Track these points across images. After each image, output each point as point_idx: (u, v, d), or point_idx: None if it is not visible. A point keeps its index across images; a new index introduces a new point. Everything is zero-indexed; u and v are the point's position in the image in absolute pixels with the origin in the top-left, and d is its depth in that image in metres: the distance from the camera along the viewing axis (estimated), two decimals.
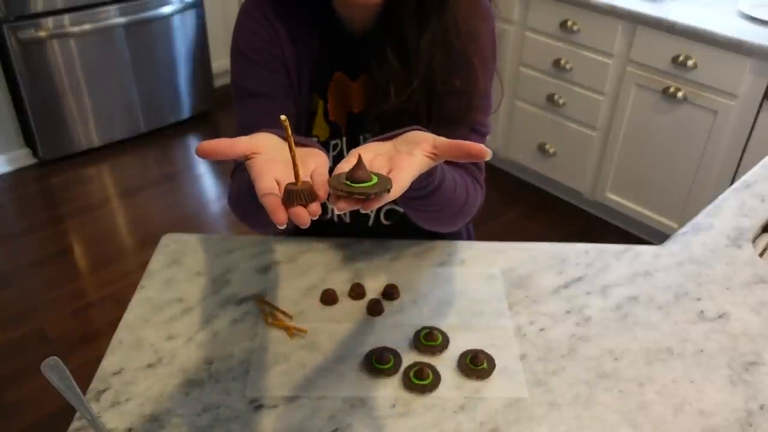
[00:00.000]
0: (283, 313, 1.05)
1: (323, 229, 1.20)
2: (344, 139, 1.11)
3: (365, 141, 1.05)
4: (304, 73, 1.06)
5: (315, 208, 0.65)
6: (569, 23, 2.59)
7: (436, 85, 1.00)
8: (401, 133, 0.79)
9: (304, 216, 0.63)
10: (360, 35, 1.05)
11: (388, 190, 0.66)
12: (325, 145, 1.10)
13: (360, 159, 0.68)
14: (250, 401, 0.91)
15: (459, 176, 1.02)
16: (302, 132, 1.07)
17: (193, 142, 3.57)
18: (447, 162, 0.96)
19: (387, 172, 0.71)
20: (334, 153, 1.11)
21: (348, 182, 0.66)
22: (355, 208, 0.66)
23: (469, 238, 1.34)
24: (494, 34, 1.06)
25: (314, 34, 1.05)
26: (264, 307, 1.06)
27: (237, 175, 1.07)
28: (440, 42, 0.98)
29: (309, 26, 1.05)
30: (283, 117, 0.66)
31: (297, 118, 1.08)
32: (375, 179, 0.67)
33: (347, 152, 0.88)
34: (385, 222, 1.22)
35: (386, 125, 1.02)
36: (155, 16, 3.26)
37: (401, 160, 0.73)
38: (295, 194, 0.64)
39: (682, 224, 1.64)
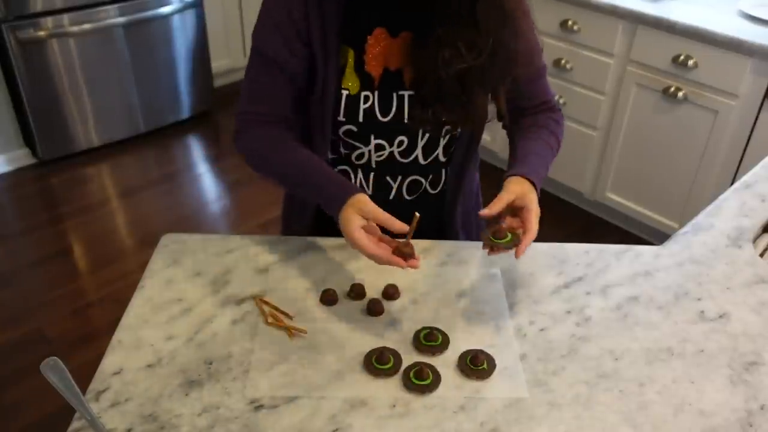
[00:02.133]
0: (283, 313, 1.05)
1: None
2: (376, 93, 1.11)
3: (398, 98, 1.11)
4: (332, 28, 1.07)
5: (415, 262, 0.99)
6: (570, 23, 2.59)
7: (502, 45, 1.04)
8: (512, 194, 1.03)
9: (415, 264, 0.98)
10: None
11: (516, 244, 1.00)
12: (355, 98, 1.11)
13: (500, 225, 1.02)
14: (250, 401, 0.90)
15: (545, 135, 1.19)
16: (331, 85, 1.10)
17: (193, 142, 3.57)
18: (526, 117, 1.23)
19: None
20: (366, 106, 1.11)
21: (491, 238, 1.02)
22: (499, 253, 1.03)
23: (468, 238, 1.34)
24: None
25: None
26: (264, 307, 1.06)
27: (257, 131, 1.14)
28: (491, 6, 1.01)
29: None
30: (417, 215, 0.98)
31: (308, 77, 1.11)
32: (509, 237, 1.01)
33: (379, 107, 1.11)
34: (407, 197, 1.23)
35: (430, 87, 1.06)
36: (155, 15, 3.26)
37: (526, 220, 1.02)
38: (408, 252, 0.99)
39: (682, 224, 1.64)
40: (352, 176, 1.21)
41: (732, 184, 1.63)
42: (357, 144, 1.16)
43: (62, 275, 2.59)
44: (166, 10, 3.29)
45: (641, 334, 1.04)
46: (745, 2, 2.42)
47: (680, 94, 2.38)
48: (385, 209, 1.21)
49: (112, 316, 2.35)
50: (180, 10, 3.35)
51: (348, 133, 1.14)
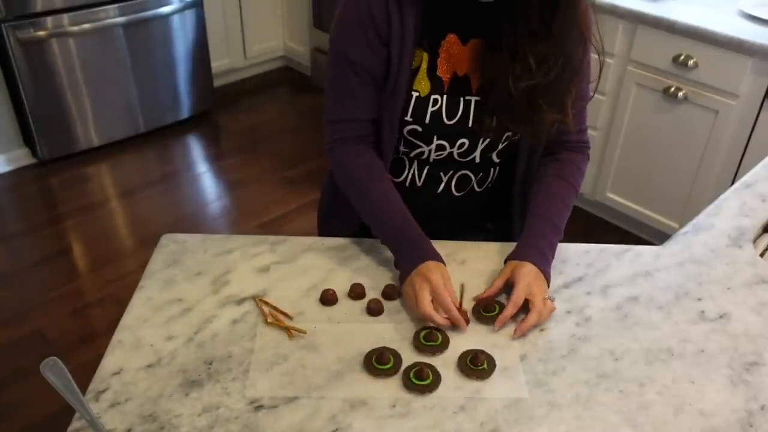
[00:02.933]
0: (283, 313, 1.05)
1: (398, 187, 1.23)
2: (445, 96, 1.13)
3: (465, 103, 1.13)
4: (409, 31, 1.08)
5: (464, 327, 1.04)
6: None
7: (570, 62, 1.07)
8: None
9: (463, 327, 1.04)
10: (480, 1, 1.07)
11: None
12: (424, 100, 1.12)
13: (490, 299, 1.07)
14: (250, 401, 0.90)
15: (561, 191, 1.20)
16: (402, 86, 1.11)
17: (193, 142, 3.57)
18: (555, 155, 1.23)
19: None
20: (434, 108, 1.13)
21: (481, 311, 1.06)
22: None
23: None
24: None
25: None
26: (264, 307, 1.06)
27: (351, 148, 1.17)
28: (570, 22, 1.03)
29: None
30: (462, 285, 1.09)
31: (386, 75, 1.12)
32: (497, 309, 1.06)
33: (446, 110, 1.13)
34: (455, 193, 1.24)
35: (512, 100, 1.08)
36: (155, 15, 3.26)
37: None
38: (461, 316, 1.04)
39: (682, 224, 1.64)
40: (407, 167, 1.23)
41: (732, 184, 1.63)
42: (419, 143, 1.17)
43: (62, 275, 2.59)
44: (166, 10, 3.29)
45: (641, 334, 1.04)
46: (745, 2, 2.42)
47: (680, 94, 2.38)
48: (431, 202, 1.25)
49: (111, 316, 2.35)
50: (180, 10, 3.35)
51: (412, 132, 1.15)
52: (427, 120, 1.13)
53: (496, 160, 1.22)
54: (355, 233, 1.24)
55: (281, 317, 1.04)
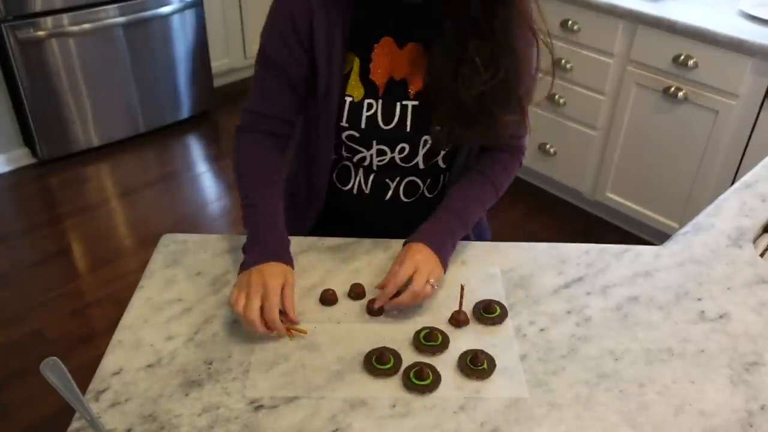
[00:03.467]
0: (283, 314, 1.05)
1: (340, 198, 1.23)
2: (380, 101, 1.12)
3: (401, 108, 1.11)
4: (337, 35, 1.07)
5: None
6: (570, 23, 2.58)
7: (517, 59, 1.03)
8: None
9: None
10: (408, 3, 1.06)
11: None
12: (358, 105, 1.11)
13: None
14: (250, 401, 0.90)
15: (485, 185, 1.17)
16: (335, 91, 1.10)
17: (193, 142, 3.57)
18: (483, 148, 1.20)
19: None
20: (369, 113, 1.12)
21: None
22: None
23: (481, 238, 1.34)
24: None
25: (351, 0, 1.07)
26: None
27: (249, 142, 1.16)
28: (512, 17, 1.00)
29: None
30: (462, 286, 1.03)
31: (311, 82, 1.12)
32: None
33: (381, 115, 1.10)
34: (404, 199, 1.23)
35: (446, 104, 1.06)
36: (155, 15, 3.26)
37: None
38: (462, 319, 1.06)
39: (682, 224, 1.63)
40: (353, 175, 1.21)
41: (732, 184, 1.63)
42: (359, 148, 1.16)
43: (62, 275, 2.59)
44: (166, 10, 3.29)
45: (641, 334, 1.04)
46: (745, 2, 2.42)
47: (680, 94, 2.38)
48: (381, 209, 1.22)
49: (111, 316, 2.34)
50: (180, 10, 3.35)
51: (350, 137, 1.14)
52: (363, 125, 1.12)
53: (443, 166, 1.21)
54: (309, 233, 1.25)
55: (280, 318, 1.04)
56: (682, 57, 2.32)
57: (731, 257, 1.22)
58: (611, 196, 2.77)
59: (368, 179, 1.21)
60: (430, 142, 1.14)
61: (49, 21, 2.94)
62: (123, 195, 3.10)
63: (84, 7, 3.02)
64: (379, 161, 1.17)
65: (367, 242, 1.21)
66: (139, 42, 3.27)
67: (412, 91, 1.11)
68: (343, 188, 1.24)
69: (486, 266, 1.17)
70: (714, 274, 1.17)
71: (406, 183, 1.21)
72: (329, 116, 1.12)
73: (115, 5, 3.11)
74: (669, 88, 2.40)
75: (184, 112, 3.61)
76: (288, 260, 1.06)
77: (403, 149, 1.15)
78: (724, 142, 2.35)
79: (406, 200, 1.23)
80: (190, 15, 3.41)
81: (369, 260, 1.17)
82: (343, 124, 1.13)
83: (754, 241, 1.30)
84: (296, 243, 1.20)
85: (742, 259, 1.21)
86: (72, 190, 3.10)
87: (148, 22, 3.25)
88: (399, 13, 1.08)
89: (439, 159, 1.19)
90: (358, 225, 1.24)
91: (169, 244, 1.20)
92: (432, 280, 1.04)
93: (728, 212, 1.34)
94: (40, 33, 2.93)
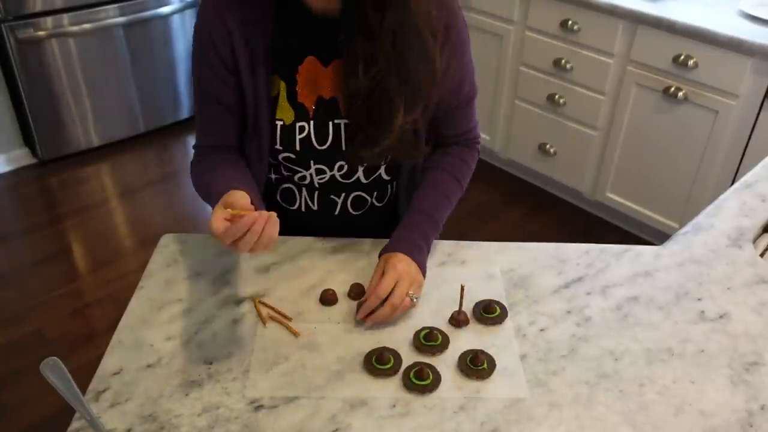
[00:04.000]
0: (282, 314, 1.05)
1: (289, 217, 1.21)
2: (312, 122, 1.10)
3: (334, 126, 1.09)
4: (259, 59, 1.05)
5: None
6: (570, 23, 2.58)
7: (401, 63, 1.01)
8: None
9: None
10: (325, 19, 1.05)
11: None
12: (290, 128, 1.10)
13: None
14: (250, 401, 0.90)
15: (447, 180, 1.16)
16: (264, 116, 1.09)
17: (193, 142, 3.57)
18: (442, 147, 1.20)
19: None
20: (302, 136, 1.10)
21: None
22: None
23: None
24: (454, 19, 1.08)
25: (269, 18, 1.05)
26: (262, 310, 1.06)
27: (202, 165, 1.14)
28: (399, 22, 0.98)
29: (264, 10, 1.05)
30: (463, 286, 1.02)
31: (242, 106, 1.10)
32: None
33: (315, 136, 1.10)
34: (353, 212, 1.22)
35: (357, 107, 1.04)
36: (154, 15, 3.26)
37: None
38: (462, 319, 1.06)
39: (682, 224, 1.64)
40: (297, 194, 1.21)
41: (732, 184, 1.63)
42: (297, 168, 1.15)
43: (62, 275, 2.59)
44: (165, 10, 3.29)
45: (641, 334, 1.04)
46: (745, 2, 2.42)
47: (680, 94, 2.38)
48: (331, 224, 1.22)
49: (111, 316, 2.34)
50: (180, 10, 3.35)
51: (287, 159, 1.14)
52: (298, 147, 1.11)
53: (387, 178, 1.20)
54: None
55: (280, 319, 1.04)
56: (682, 57, 2.32)
57: (731, 257, 1.22)
58: (611, 196, 2.77)
59: (313, 197, 1.20)
60: (366, 164, 1.14)
61: (49, 21, 2.94)
62: (123, 195, 3.10)
63: (84, 7, 3.02)
64: (319, 179, 1.17)
65: (367, 242, 1.21)
66: (139, 42, 3.27)
67: (342, 108, 1.09)
68: (290, 208, 1.23)
69: (486, 266, 1.17)
70: (714, 274, 1.17)
71: (353, 198, 1.21)
72: (263, 140, 1.11)
73: (115, 5, 3.11)
74: (669, 88, 2.40)
75: (184, 112, 3.61)
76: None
77: (341, 167, 1.14)
78: (724, 142, 2.35)
79: (355, 213, 1.23)
80: (190, 15, 3.41)
81: (369, 260, 1.17)
82: (278, 147, 1.12)
83: (754, 241, 1.30)
84: (296, 243, 1.20)
85: (742, 259, 1.21)
86: (72, 190, 3.10)
87: (148, 22, 3.25)
88: (319, 31, 1.06)
89: (382, 172, 1.18)
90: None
91: (169, 244, 1.20)
92: (411, 293, 1.04)
93: (728, 212, 1.34)
94: (40, 33, 2.93)
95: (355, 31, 1.01)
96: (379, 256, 1.10)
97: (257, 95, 1.07)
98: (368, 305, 1.02)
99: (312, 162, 1.13)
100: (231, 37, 1.04)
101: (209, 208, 1.03)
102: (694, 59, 2.30)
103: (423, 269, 1.08)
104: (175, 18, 3.36)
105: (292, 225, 1.22)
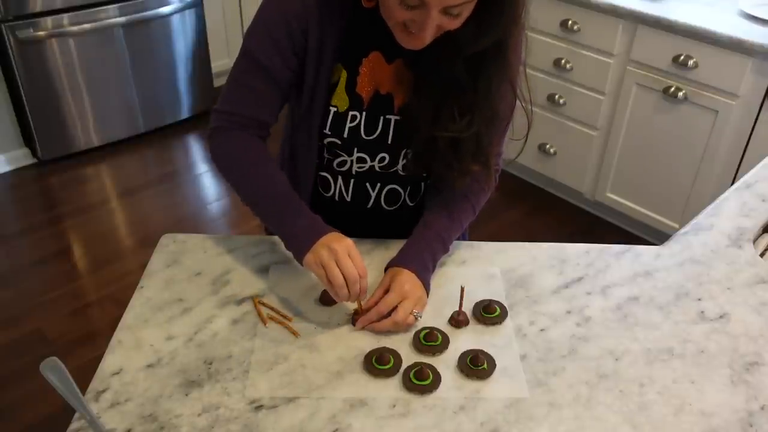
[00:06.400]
0: (282, 315, 1.05)
1: (325, 205, 1.21)
2: (364, 113, 1.12)
3: (384, 121, 1.11)
4: (328, 46, 1.07)
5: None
6: (570, 23, 2.58)
7: (493, 109, 1.06)
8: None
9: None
10: None
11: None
12: (343, 116, 1.11)
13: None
14: (250, 401, 0.90)
15: (457, 207, 1.16)
16: (320, 101, 1.10)
17: (193, 142, 3.56)
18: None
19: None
20: (352, 124, 1.12)
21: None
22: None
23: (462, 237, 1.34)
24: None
25: (346, 9, 1.06)
26: (261, 310, 1.06)
27: (234, 139, 1.13)
28: (498, 76, 1.03)
29: (343, 2, 1.06)
30: (463, 287, 1.04)
31: (301, 88, 1.11)
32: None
33: (364, 127, 1.11)
34: (386, 207, 1.23)
35: (437, 146, 1.08)
36: (155, 15, 3.26)
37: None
38: (462, 320, 1.06)
39: (682, 224, 1.63)
40: (332, 183, 1.21)
41: (732, 184, 1.63)
42: (340, 153, 1.16)
43: (62, 275, 2.59)
44: (165, 10, 3.28)
45: (641, 334, 1.04)
46: (745, 2, 2.42)
47: (680, 94, 2.37)
48: (362, 219, 1.22)
49: (111, 316, 2.34)
50: (180, 10, 3.35)
51: (332, 144, 1.15)
52: (346, 135, 1.12)
53: (424, 175, 1.22)
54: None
55: (280, 319, 1.04)
56: (682, 57, 2.32)
57: (731, 257, 1.22)
58: (611, 196, 2.77)
59: (348, 186, 1.21)
60: (410, 154, 1.15)
61: (49, 21, 2.94)
62: (123, 195, 3.10)
63: (84, 7, 3.02)
64: (358, 167, 1.18)
65: (367, 242, 1.21)
66: (139, 42, 3.27)
67: (396, 105, 1.11)
68: (326, 194, 1.23)
69: (486, 266, 1.17)
70: (714, 274, 1.17)
71: (387, 191, 1.21)
72: (313, 123, 1.12)
73: (115, 5, 3.11)
74: (669, 88, 2.40)
75: (184, 112, 3.61)
76: (324, 231, 1.04)
77: (383, 158, 1.16)
78: (724, 142, 2.35)
79: (388, 209, 1.23)
80: (189, 15, 3.41)
81: (369, 260, 1.17)
82: (326, 131, 1.13)
83: (754, 241, 1.30)
84: None
85: (742, 259, 1.21)
86: (72, 190, 3.10)
87: (148, 22, 3.25)
88: (389, 30, 1.06)
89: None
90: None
91: (169, 244, 1.20)
92: (415, 312, 1.04)
93: (728, 212, 1.34)
94: (40, 33, 2.92)
95: (439, 80, 1.04)
96: (386, 268, 1.10)
97: (318, 80, 1.09)
98: (367, 318, 1.02)
99: (356, 149, 1.15)
100: (308, 21, 1.05)
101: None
102: (694, 59, 2.30)
103: (427, 288, 1.09)
104: (175, 18, 3.36)
105: (324, 211, 1.23)
